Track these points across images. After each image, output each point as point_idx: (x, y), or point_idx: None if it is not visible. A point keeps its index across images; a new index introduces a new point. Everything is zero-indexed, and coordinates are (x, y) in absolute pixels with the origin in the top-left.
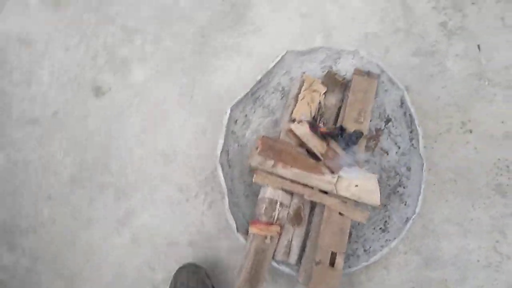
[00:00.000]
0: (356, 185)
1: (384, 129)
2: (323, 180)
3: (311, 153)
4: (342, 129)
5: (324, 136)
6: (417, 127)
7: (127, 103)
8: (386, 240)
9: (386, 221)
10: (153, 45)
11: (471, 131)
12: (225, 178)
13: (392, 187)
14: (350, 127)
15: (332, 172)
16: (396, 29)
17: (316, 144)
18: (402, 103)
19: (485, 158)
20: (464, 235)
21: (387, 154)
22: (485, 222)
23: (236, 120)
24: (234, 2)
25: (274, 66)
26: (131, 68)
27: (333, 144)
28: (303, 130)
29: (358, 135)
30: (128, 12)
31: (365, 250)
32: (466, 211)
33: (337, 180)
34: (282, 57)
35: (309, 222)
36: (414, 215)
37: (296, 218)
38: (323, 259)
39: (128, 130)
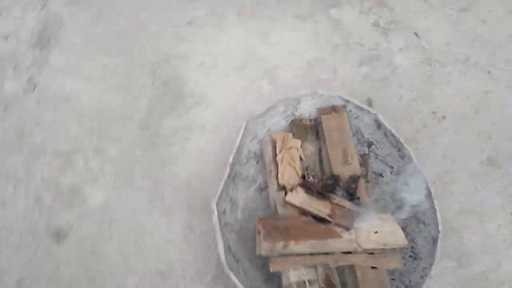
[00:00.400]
0: (376, 232)
1: (368, 153)
2: (342, 241)
3: (317, 218)
4: (335, 178)
5: (322, 194)
6: (404, 145)
7: (96, 234)
8: (423, 268)
9: (412, 247)
10: (97, 160)
11: (444, 117)
12: (238, 279)
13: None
14: (342, 171)
15: (348, 229)
16: (334, 46)
17: (318, 207)
18: (379, 125)
19: (467, 137)
20: (481, 220)
21: (382, 176)
22: (494, 200)
23: (224, 210)
24: (165, 81)
25: (240, 140)
26: (84, 194)
27: (335, 199)
28: (300, 198)
29: (355, 179)
30: (55, 134)
31: (406, 286)
32: (473, 196)
33: (356, 235)
34: (245, 128)
35: (342, 281)
36: (440, 234)
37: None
38: None
39: (110, 262)
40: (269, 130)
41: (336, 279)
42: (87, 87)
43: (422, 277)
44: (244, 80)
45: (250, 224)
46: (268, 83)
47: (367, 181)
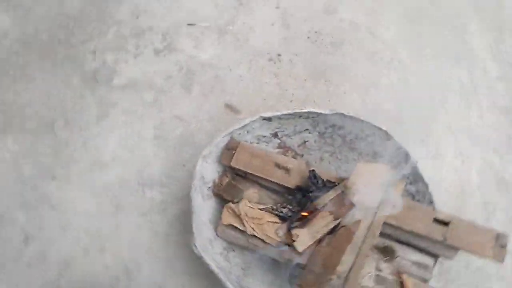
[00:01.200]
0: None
1: (280, 139)
2: (365, 220)
3: (331, 231)
4: (299, 189)
5: (310, 211)
6: (302, 109)
7: None
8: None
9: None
10: None
11: (290, 60)
12: None
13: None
14: (294, 179)
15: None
16: (186, 91)
17: (322, 222)
18: (295, 126)
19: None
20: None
21: (306, 141)
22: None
23: None
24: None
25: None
26: None
27: (319, 203)
28: (305, 235)
29: (312, 173)
30: None
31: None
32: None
33: (363, 202)
34: (195, 246)
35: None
36: (416, 161)
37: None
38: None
39: None
40: (209, 220)
41: (384, 242)
42: None
43: (431, 202)
44: (136, 214)
45: None
46: (151, 191)
47: (301, 155)
